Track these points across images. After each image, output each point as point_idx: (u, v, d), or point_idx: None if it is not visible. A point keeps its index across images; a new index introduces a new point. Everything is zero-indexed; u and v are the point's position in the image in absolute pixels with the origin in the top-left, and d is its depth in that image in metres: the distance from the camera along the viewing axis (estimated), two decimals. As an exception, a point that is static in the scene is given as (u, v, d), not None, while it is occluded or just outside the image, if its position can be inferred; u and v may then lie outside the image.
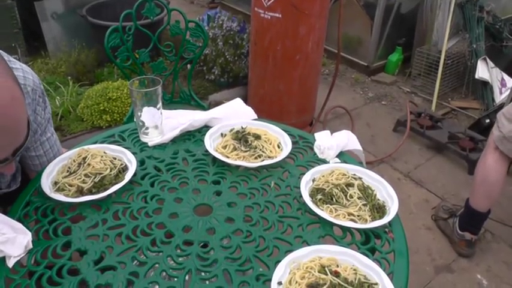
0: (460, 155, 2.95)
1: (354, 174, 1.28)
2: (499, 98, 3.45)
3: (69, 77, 3.28)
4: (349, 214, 1.16)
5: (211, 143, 1.41)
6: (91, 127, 2.83)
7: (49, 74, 3.40)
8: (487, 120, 3.12)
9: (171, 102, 2.24)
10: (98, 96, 2.80)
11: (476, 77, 3.48)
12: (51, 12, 3.74)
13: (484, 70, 3.48)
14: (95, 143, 1.43)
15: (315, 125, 3.18)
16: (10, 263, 1.02)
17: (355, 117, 3.37)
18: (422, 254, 2.32)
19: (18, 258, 1.04)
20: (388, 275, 0.99)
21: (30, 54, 3.82)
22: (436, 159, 3.05)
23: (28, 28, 3.84)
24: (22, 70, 1.24)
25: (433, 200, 2.69)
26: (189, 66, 2.72)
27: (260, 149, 1.37)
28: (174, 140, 1.47)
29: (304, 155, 1.43)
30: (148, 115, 1.40)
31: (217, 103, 3.26)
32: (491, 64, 3.50)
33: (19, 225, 1.08)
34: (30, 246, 1.06)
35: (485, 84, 3.53)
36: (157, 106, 1.39)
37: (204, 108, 2.13)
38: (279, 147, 1.42)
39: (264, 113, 1.59)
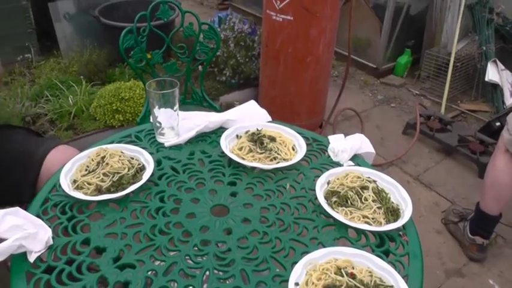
0: (470, 158, 2.95)
1: (369, 177, 1.29)
2: (509, 100, 3.44)
3: (81, 77, 3.31)
4: (364, 217, 1.18)
5: (227, 145, 1.43)
6: (103, 126, 2.86)
7: (61, 73, 3.43)
8: (497, 123, 3.11)
9: (184, 103, 2.25)
10: (111, 96, 2.83)
11: (486, 79, 3.48)
12: (64, 13, 3.78)
13: (494, 72, 3.48)
14: (112, 142, 1.45)
15: (325, 127, 3.20)
16: (31, 258, 1.04)
17: (365, 120, 3.38)
18: (433, 257, 2.33)
19: (39, 253, 1.05)
20: (402, 277, 1.00)
21: (42, 54, 3.87)
22: (445, 162, 3.06)
23: (41, 28, 3.89)
24: None
25: (443, 203, 2.69)
26: (200, 67, 2.75)
27: (275, 151, 1.39)
28: (190, 141, 1.49)
29: (318, 158, 1.45)
30: (165, 116, 1.42)
31: (228, 104, 3.28)
32: (501, 66, 3.50)
33: (39, 221, 1.10)
34: (51, 242, 1.08)
35: (495, 87, 3.53)
36: (174, 108, 1.41)
37: (216, 109, 2.14)
38: (293, 149, 1.44)
39: (274, 114, 1.61)
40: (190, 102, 2.24)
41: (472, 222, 2.32)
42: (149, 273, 1.02)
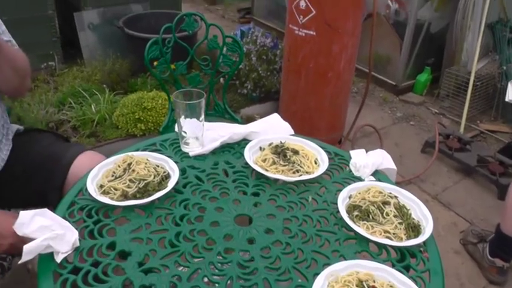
0: (489, 180, 2.93)
1: (390, 193, 1.31)
2: (529, 122, 3.43)
3: (104, 85, 3.37)
4: (385, 231, 1.19)
5: (251, 156, 1.45)
6: (125, 135, 2.91)
7: (84, 82, 3.49)
8: (518, 145, 3.10)
9: (206, 114, 2.28)
10: (134, 105, 2.87)
11: (507, 99, 3.43)
12: (89, 23, 3.86)
13: (514, 93, 3.47)
14: (137, 150, 1.48)
15: (344, 142, 3.21)
16: (58, 259, 1.07)
17: (383, 137, 3.38)
18: (451, 278, 2.31)
19: (66, 254, 1.08)
20: (423, 293, 1.01)
21: (66, 62, 3.94)
22: (464, 183, 3.05)
23: (65, 37, 3.97)
24: None
25: (461, 223, 2.68)
26: (222, 80, 2.79)
27: (298, 164, 1.41)
28: (214, 152, 1.52)
29: (340, 172, 1.46)
30: (190, 126, 1.45)
31: (249, 117, 3.31)
32: (521, 87, 3.48)
33: (67, 223, 1.13)
34: (77, 244, 1.11)
35: (515, 108, 3.51)
36: (200, 118, 1.44)
37: (237, 122, 2.17)
38: (316, 163, 1.45)
39: (294, 129, 1.64)
40: (212, 113, 2.27)
41: (492, 244, 2.30)
42: (173, 278, 1.05)
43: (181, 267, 1.08)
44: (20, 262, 1.07)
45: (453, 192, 2.94)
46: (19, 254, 1.41)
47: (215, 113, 2.29)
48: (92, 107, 3.06)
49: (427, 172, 3.03)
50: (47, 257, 1.07)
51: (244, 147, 1.49)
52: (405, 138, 3.53)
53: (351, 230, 1.20)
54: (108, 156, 1.43)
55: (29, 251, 1.04)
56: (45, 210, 1.13)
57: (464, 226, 2.61)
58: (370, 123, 3.38)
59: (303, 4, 2.63)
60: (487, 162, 2.97)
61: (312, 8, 2.60)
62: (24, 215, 1.09)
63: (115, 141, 2.87)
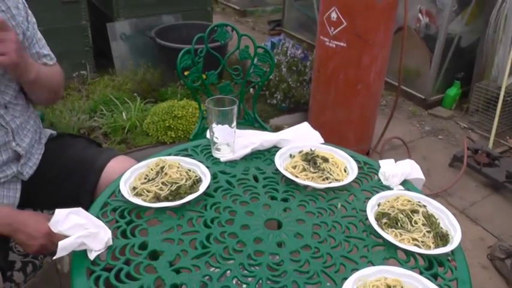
0: (518, 195, 2.90)
1: (419, 202, 1.31)
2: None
3: (135, 94, 3.43)
4: (414, 239, 1.19)
5: (281, 163, 1.48)
6: (155, 142, 2.96)
7: (115, 90, 3.57)
8: (547, 162, 3.06)
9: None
10: (164, 113, 2.93)
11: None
12: (121, 33, 3.95)
13: (545, 109, 3.43)
14: (169, 155, 1.51)
15: (372, 155, 3.21)
16: (91, 256, 1.10)
17: (411, 150, 3.37)
18: (478, 292, 2.30)
19: (99, 252, 1.11)
20: (451, 301, 1.01)
21: (97, 71, 4.04)
22: (492, 198, 3.02)
23: (97, 46, 4.06)
24: None
25: (488, 239, 2.65)
26: (251, 90, 2.82)
27: (328, 172, 1.43)
28: (244, 158, 1.54)
29: (369, 181, 1.48)
30: (222, 132, 1.48)
31: (278, 127, 3.34)
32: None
33: (100, 222, 1.16)
34: (110, 242, 1.14)
35: (545, 124, 3.47)
36: (232, 125, 1.47)
37: (267, 131, 2.19)
38: (345, 171, 1.47)
39: (323, 139, 1.66)
40: (242, 122, 2.30)
41: (520, 260, 2.28)
42: (204, 278, 1.07)
43: (212, 268, 1.10)
44: (54, 258, 1.10)
45: (481, 207, 2.91)
46: (49, 254, 1.47)
47: (245, 122, 2.32)
48: (123, 114, 3.13)
49: (454, 186, 3.01)
50: (80, 254, 1.10)
51: (275, 154, 1.51)
52: (433, 152, 3.51)
53: (379, 237, 1.21)
54: (139, 162, 1.46)
55: (63, 248, 1.08)
56: (80, 209, 1.17)
57: (492, 241, 2.59)
58: (398, 136, 3.37)
59: (334, 16, 2.66)
60: (516, 178, 2.94)
61: (343, 20, 2.63)
62: (60, 213, 1.13)
63: (145, 148, 2.93)
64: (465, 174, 3.12)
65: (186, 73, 2.09)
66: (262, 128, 2.27)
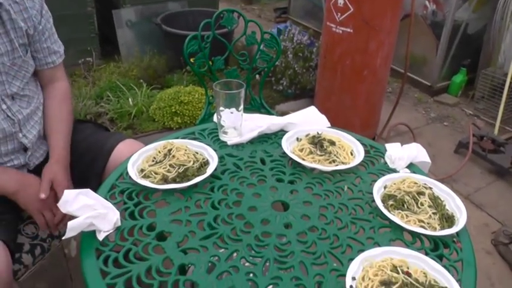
0: (523, 182, 2.91)
1: (425, 184, 1.32)
2: None
3: (141, 80, 3.44)
4: (420, 221, 1.20)
5: (288, 146, 1.48)
6: (162, 127, 2.98)
7: (121, 77, 3.58)
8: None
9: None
10: (170, 99, 2.94)
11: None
12: (126, 20, 3.95)
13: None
14: (177, 138, 1.52)
15: (377, 141, 3.20)
16: (100, 237, 1.11)
17: (417, 136, 3.37)
18: (482, 278, 2.30)
19: (108, 233, 1.13)
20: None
21: (103, 58, 4.05)
22: (497, 184, 3.02)
23: (103, 33, 4.07)
24: None
25: (493, 224, 2.66)
26: (257, 76, 2.82)
27: (334, 155, 1.44)
28: (251, 141, 1.55)
29: (375, 164, 1.49)
30: (229, 116, 1.49)
31: (284, 113, 3.32)
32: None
33: (109, 204, 1.18)
34: (119, 223, 1.16)
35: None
36: (239, 108, 1.48)
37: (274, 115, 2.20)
38: (351, 154, 1.48)
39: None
40: (248, 108, 2.30)
41: (524, 245, 2.29)
42: (212, 258, 1.08)
43: (220, 249, 1.12)
44: (64, 238, 1.12)
45: (485, 193, 2.92)
46: (56, 236, 1.50)
47: (251, 108, 2.33)
48: (129, 100, 3.14)
49: (459, 172, 3.02)
50: (89, 235, 1.12)
51: (282, 137, 1.52)
52: (438, 138, 3.51)
53: (386, 218, 1.22)
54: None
55: (72, 228, 1.09)
56: (88, 191, 1.18)
57: (496, 227, 2.60)
58: (403, 122, 3.37)
59: (341, 2, 2.65)
60: (522, 165, 2.94)
61: (349, 6, 2.63)
62: (69, 193, 1.15)
63: (151, 133, 2.94)
64: (470, 161, 3.12)
65: (192, 60, 2.10)
66: (269, 114, 2.28)
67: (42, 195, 1.37)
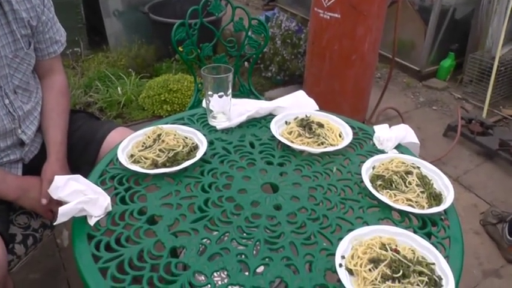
0: (510, 163, 2.93)
1: (413, 164, 1.34)
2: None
3: (130, 70, 3.43)
4: (408, 200, 1.22)
5: (277, 129, 1.49)
6: (151, 116, 2.98)
7: (109, 67, 3.57)
8: (540, 130, 3.08)
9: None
10: (159, 87, 2.94)
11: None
12: (114, 9, 3.93)
13: (538, 78, 3.44)
14: (166, 123, 1.53)
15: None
16: (91, 222, 1.12)
17: (406, 121, 3.39)
18: (470, 257, 2.33)
19: (99, 218, 1.13)
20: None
21: (91, 48, 4.02)
22: (485, 166, 3.05)
23: (90, 23, 4.04)
24: None
25: (481, 205, 2.69)
26: (246, 64, 2.83)
27: (323, 137, 1.45)
28: (240, 126, 1.56)
29: (364, 145, 1.50)
30: (218, 101, 1.49)
31: (273, 100, 3.36)
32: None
33: (99, 189, 1.18)
34: (110, 208, 1.16)
35: (539, 93, 3.49)
36: (228, 92, 1.48)
37: (263, 101, 2.21)
38: (340, 136, 1.49)
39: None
40: (237, 94, 2.31)
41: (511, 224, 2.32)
42: (203, 240, 1.09)
43: (211, 231, 1.12)
44: (55, 223, 1.12)
45: (474, 175, 2.95)
46: (49, 227, 1.51)
47: (240, 94, 2.33)
48: (118, 89, 3.14)
49: (448, 155, 3.04)
50: (80, 220, 1.13)
51: (270, 121, 1.53)
52: (427, 122, 3.53)
53: (374, 198, 1.24)
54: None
55: (63, 213, 1.10)
56: (79, 176, 1.19)
57: (485, 208, 2.63)
58: (392, 106, 3.39)
59: (328, -13, 2.65)
60: (509, 146, 2.96)
61: (337, -9, 2.63)
62: (59, 179, 1.15)
63: (141, 122, 2.94)
64: (459, 144, 3.15)
65: (180, 48, 2.10)
66: (258, 99, 2.28)
67: (44, 201, 1.39)
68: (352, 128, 1.54)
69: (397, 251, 1.03)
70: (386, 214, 1.20)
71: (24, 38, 1.43)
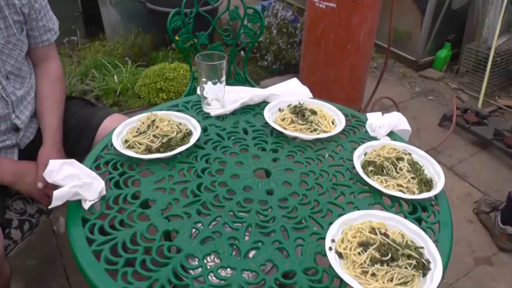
0: (505, 152, 2.95)
1: (404, 150, 1.35)
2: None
3: (126, 58, 3.43)
4: (398, 185, 1.23)
5: (270, 116, 1.50)
6: (148, 104, 2.99)
7: (106, 55, 3.57)
8: (535, 120, 3.10)
9: (227, 83, 2.33)
10: (156, 75, 2.95)
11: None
12: (110, -1, 3.92)
13: (534, 69, 3.45)
14: (161, 110, 1.53)
15: (362, 114, 3.24)
16: (86, 206, 1.13)
17: (401, 111, 3.39)
18: (462, 245, 2.36)
19: (93, 202, 1.15)
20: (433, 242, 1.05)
21: (88, 37, 4.02)
22: (480, 155, 3.07)
23: (86, 12, 4.03)
24: None
25: (475, 194, 2.71)
26: (242, 53, 2.83)
27: (316, 124, 1.46)
28: (234, 112, 1.57)
29: (356, 132, 1.51)
30: (212, 87, 1.50)
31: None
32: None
33: (94, 173, 1.19)
34: (104, 192, 1.18)
35: (535, 84, 3.50)
36: (221, 79, 1.49)
37: (257, 89, 2.22)
38: (333, 123, 1.50)
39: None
40: (232, 83, 2.31)
41: (504, 212, 2.34)
42: (196, 224, 1.11)
43: (204, 215, 1.14)
44: (50, 207, 1.13)
45: (469, 164, 2.97)
46: (45, 213, 1.52)
47: (235, 82, 2.33)
48: (115, 77, 3.14)
49: (443, 144, 3.06)
50: (75, 204, 1.14)
51: (264, 108, 1.54)
52: (423, 112, 3.55)
53: (366, 184, 1.25)
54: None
55: (58, 197, 1.11)
56: (74, 161, 1.19)
57: (478, 196, 2.65)
58: (388, 96, 3.40)
59: (323, -24, 2.66)
60: (503, 136, 2.98)
61: (332, -20, 2.63)
62: (54, 163, 1.16)
63: (137, 110, 2.95)
64: (454, 133, 3.16)
65: (176, 37, 2.10)
66: (253, 87, 2.29)
67: (40, 185, 1.41)
68: (345, 115, 1.55)
69: (386, 235, 1.05)
70: (377, 199, 1.22)
71: (16, 24, 1.43)
